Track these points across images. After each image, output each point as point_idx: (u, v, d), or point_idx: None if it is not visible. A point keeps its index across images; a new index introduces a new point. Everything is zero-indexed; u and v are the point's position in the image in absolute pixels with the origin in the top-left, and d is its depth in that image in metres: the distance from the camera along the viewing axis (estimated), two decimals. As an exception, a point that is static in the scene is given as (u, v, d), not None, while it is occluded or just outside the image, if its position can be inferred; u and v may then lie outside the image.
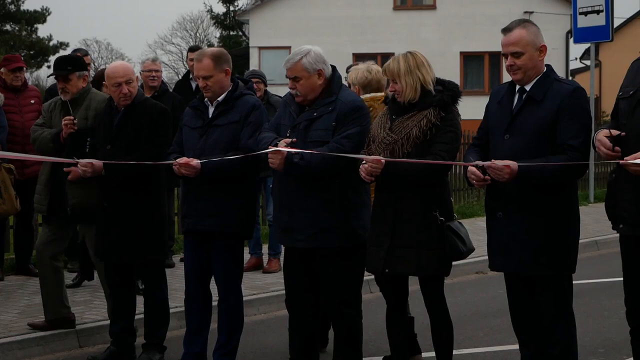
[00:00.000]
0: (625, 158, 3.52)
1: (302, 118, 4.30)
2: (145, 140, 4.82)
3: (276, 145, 4.17)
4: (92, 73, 8.15)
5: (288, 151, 4.11)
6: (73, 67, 5.14)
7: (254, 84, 6.34)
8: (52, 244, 5.24)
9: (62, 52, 32.41)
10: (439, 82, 4.18)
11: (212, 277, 4.80)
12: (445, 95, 4.10)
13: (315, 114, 4.27)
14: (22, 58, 7.55)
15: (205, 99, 4.72)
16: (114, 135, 4.88)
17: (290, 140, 4.19)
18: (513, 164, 3.67)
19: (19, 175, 6.39)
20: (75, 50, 8.04)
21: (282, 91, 6.18)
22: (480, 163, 3.79)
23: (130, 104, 4.90)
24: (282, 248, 4.74)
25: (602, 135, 3.62)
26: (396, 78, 4.10)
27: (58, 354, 5.21)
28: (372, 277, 4.95)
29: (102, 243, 4.94)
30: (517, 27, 3.84)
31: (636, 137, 3.60)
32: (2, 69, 7.09)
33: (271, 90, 7.78)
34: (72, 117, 5.06)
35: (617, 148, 3.57)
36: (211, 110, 4.68)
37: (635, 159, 3.47)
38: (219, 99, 4.66)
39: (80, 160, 4.78)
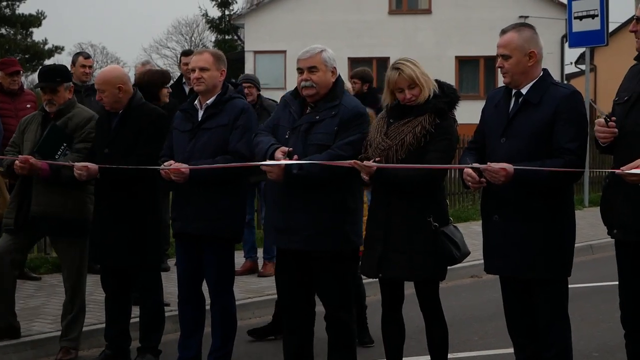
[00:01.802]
0: (621, 168, 3.54)
1: (303, 120, 4.29)
2: (143, 143, 4.81)
3: (273, 156, 4.16)
4: (95, 74, 8.17)
5: (287, 163, 4.10)
6: (62, 79, 5.04)
7: (246, 89, 6.35)
8: (15, 252, 5.09)
9: (57, 56, 32.40)
10: (438, 85, 4.18)
11: (205, 280, 4.80)
12: (441, 101, 4.10)
13: (317, 117, 4.26)
14: (18, 62, 7.55)
15: (195, 102, 4.72)
16: (111, 138, 4.88)
17: (287, 149, 4.17)
18: (509, 167, 3.68)
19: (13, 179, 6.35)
20: (77, 54, 8.05)
21: (276, 95, 6.20)
22: (476, 165, 3.80)
23: (128, 107, 4.90)
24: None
25: (597, 125, 3.69)
26: (415, 81, 4.07)
27: (52, 357, 5.20)
28: (368, 280, 4.95)
29: (98, 247, 4.93)
30: (512, 30, 3.86)
31: (627, 144, 3.62)
32: (-1, 73, 7.08)
33: (266, 94, 7.80)
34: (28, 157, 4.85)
35: (611, 124, 3.61)
36: (200, 113, 4.68)
37: (631, 168, 3.49)
38: (208, 102, 4.66)
39: (76, 164, 4.77)
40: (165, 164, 4.58)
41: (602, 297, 6.73)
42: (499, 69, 3.87)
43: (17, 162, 4.87)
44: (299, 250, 4.29)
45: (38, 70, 5.33)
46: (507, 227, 3.83)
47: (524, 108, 3.84)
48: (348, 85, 5.37)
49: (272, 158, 4.18)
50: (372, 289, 6.64)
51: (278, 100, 4.80)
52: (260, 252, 7.67)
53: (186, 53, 8.13)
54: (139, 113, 4.90)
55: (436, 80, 4.19)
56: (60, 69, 5.22)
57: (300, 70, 4.30)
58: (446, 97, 4.13)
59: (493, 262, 3.96)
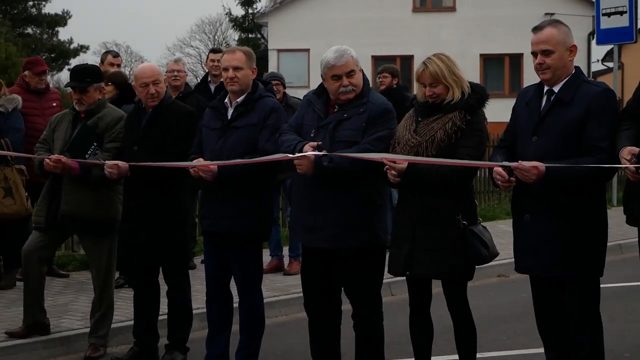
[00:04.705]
0: None
1: (331, 118, 4.28)
2: (171, 142, 4.82)
3: (301, 150, 4.15)
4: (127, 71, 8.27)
5: (316, 155, 4.09)
6: (92, 79, 5.08)
7: (274, 87, 6.37)
8: (42, 249, 5.12)
9: (82, 55, 32.73)
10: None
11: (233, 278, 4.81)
12: (471, 98, 4.07)
13: (345, 114, 4.25)
14: (44, 61, 7.62)
15: (225, 100, 4.72)
16: (141, 136, 4.90)
17: (316, 143, 4.16)
18: (541, 165, 3.65)
19: (30, 176, 6.37)
20: (106, 52, 8.11)
21: (300, 94, 6.19)
22: (507, 164, 3.77)
23: (158, 105, 4.92)
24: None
25: (627, 153, 3.54)
26: (441, 80, 4.04)
27: (81, 353, 5.24)
28: (394, 279, 4.93)
29: (127, 245, 4.94)
30: (548, 25, 3.85)
31: None
32: (26, 72, 7.15)
33: (289, 92, 7.82)
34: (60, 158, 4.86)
35: None
36: (230, 111, 4.68)
37: None
38: (238, 99, 4.66)
39: (107, 162, 4.80)
40: (194, 161, 4.59)
41: (632, 297, 6.66)
42: (539, 66, 3.83)
43: (49, 160, 4.91)
44: (326, 249, 4.27)
45: (70, 70, 5.38)
46: (538, 226, 3.80)
47: (556, 106, 3.81)
48: None
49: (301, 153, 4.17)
50: (395, 288, 6.62)
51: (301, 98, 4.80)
52: (285, 250, 7.68)
53: (215, 50, 8.16)
54: (168, 112, 4.92)
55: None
56: (91, 69, 5.26)
57: (337, 77, 4.24)
58: (476, 94, 4.11)
59: (523, 261, 3.93)
